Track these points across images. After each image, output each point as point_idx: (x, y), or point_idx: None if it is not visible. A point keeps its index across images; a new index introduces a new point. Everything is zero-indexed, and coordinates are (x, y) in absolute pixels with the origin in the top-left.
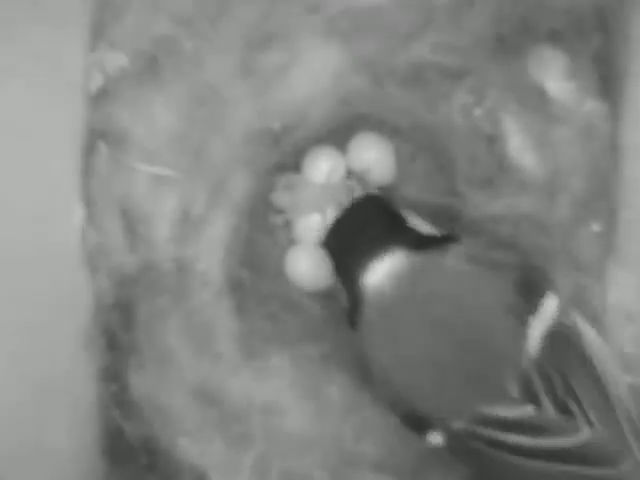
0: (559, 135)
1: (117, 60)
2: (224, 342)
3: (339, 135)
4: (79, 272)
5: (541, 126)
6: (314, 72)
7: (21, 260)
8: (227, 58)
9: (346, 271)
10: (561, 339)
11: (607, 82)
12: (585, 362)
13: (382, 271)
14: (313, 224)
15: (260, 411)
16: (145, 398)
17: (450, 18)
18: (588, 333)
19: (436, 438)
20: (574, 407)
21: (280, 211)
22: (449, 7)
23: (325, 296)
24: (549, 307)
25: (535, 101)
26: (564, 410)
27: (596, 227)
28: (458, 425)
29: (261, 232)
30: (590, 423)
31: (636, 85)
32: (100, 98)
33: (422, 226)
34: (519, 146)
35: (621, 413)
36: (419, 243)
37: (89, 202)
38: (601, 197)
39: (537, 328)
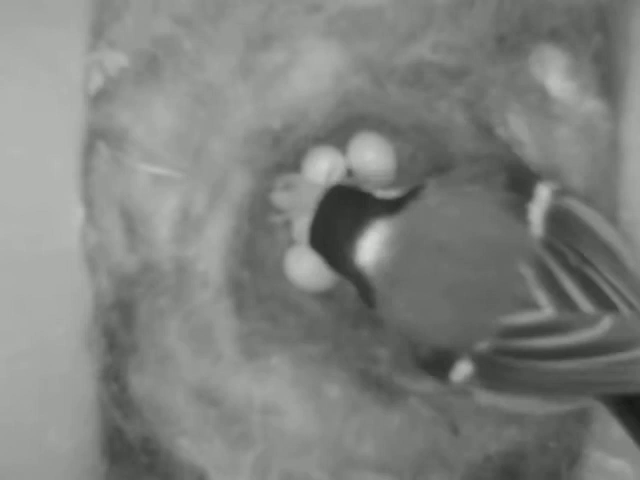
0: (559, 134)
1: (117, 60)
2: (224, 342)
3: (339, 135)
4: (79, 272)
5: (542, 125)
6: (314, 72)
7: (21, 260)
8: (227, 58)
9: (338, 261)
10: (563, 217)
11: (607, 81)
12: (592, 233)
13: (371, 244)
14: None
15: (260, 411)
16: (145, 398)
17: (450, 18)
18: (587, 212)
19: (464, 370)
20: (593, 277)
21: (280, 211)
22: (449, 7)
23: (325, 296)
24: (543, 193)
25: (536, 100)
26: (588, 293)
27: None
28: (483, 346)
29: (261, 232)
30: (612, 306)
31: (636, 84)
32: (100, 98)
33: (389, 192)
34: (519, 145)
35: (637, 281)
36: (392, 207)
37: (89, 202)
38: (602, 196)
39: (536, 212)
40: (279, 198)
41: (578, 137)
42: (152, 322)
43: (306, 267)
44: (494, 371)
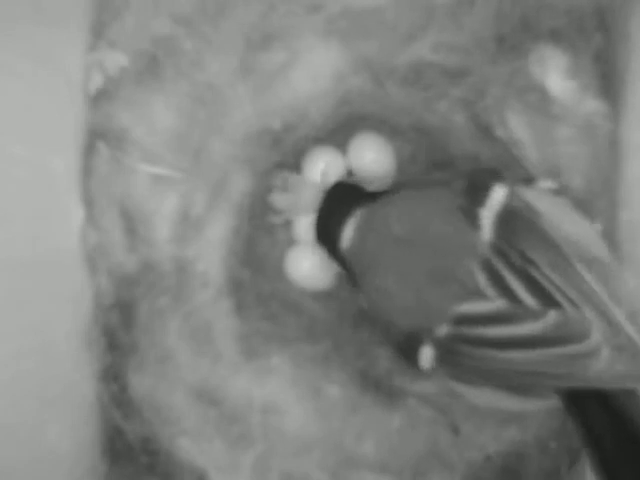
0: (560, 134)
1: (117, 60)
2: (224, 342)
3: (339, 135)
4: (79, 272)
5: (542, 125)
6: (314, 72)
7: (21, 260)
8: (227, 58)
9: (331, 249)
10: (511, 218)
11: (608, 81)
12: (538, 231)
13: (349, 231)
14: (312, 224)
15: (260, 411)
16: (145, 398)
17: (450, 18)
18: (548, 209)
19: (427, 354)
20: (535, 276)
21: (278, 211)
22: (449, 7)
23: (325, 296)
24: (496, 196)
25: (536, 100)
26: (532, 291)
27: (597, 226)
28: (443, 331)
29: (261, 232)
30: (556, 304)
31: (636, 84)
32: (100, 98)
33: (378, 187)
34: (520, 145)
35: (583, 280)
36: (372, 198)
37: (89, 202)
38: (602, 196)
39: (485, 216)
40: (277, 199)
41: (578, 137)
42: (152, 322)
43: (306, 267)
44: (452, 357)
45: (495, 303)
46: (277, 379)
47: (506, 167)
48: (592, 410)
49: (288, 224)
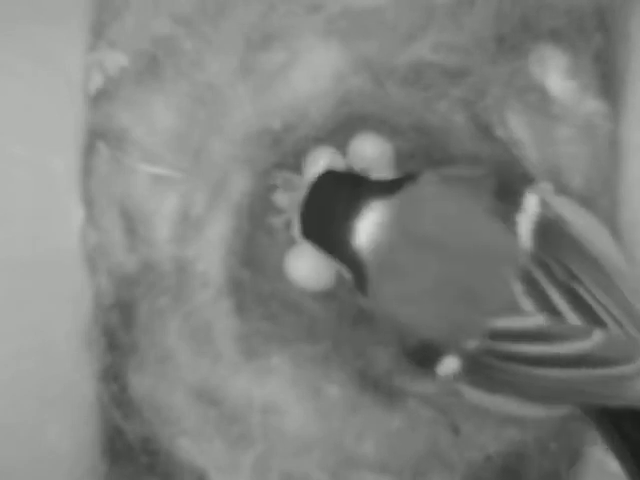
0: (560, 134)
1: (117, 60)
2: (224, 342)
3: (339, 135)
4: (79, 272)
5: (542, 125)
6: (314, 72)
7: (21, 260)
8: (227, 58)
9: (334, 244)
10: (551, 229)
11: (608, 81)
12: (580, 246)
13: (368, 226)
14: None
15: (260, 411)
16: (145, 398)
17: (450, 18)
18: (579, 220)
19: (451, 364)
20: (581, 293)
21: (280, 211)
22: (449, 7)
23: (325, 296)
24: (531, 203)
25: (536, 100)
26: (576, 308)
27: (597, 222)
28: (472, 344)
29: (261, 232)
30: (601, 323)
31: (636, 84)
32: (100, 98)
33: (384, 175)
34: (520, 145)
35: (625, 297)
36: (389, 188)
37: (89, 202)
38: (602, 196)
39: (524, 224)
40: (280, 198)
41: (578, 137)
42: (152, 322)
43: (306, 267)
44: (482, 370)
45: (534, 319)
46: (277, 379)
47: (506, 167)
48: (628, 427)
49: (288, 224)
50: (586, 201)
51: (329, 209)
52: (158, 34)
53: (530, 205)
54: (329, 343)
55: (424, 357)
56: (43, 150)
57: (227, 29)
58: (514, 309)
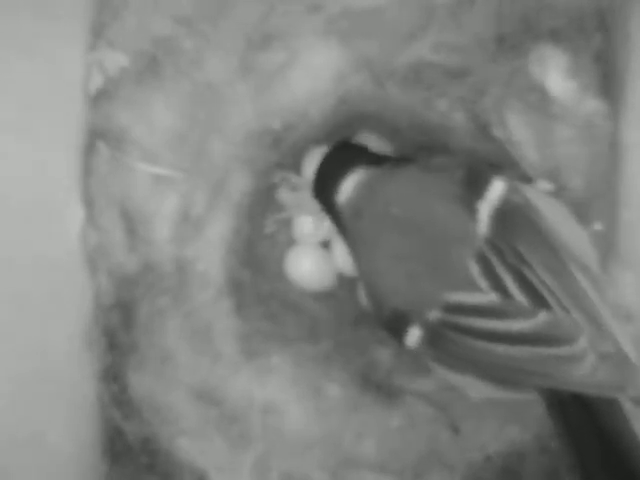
0: (560, 134)
1: (117, 60)
2: (224, 342)
3: (339, 135)
4: (79, 272)
5: (542, 125)
6: (314, 72)
7: (21, 260)
8: (227, 58)
9: (328, 202)
10: (510, 215)
11: (608, 81)
12: (536, 231)
13: (348, 186)
14: (313, 224)
15: (260, 411)
16: (145, 398)
17: (450, 18)
18: (543, 207)
19: (414, 334)
20: (529, 277)
21: (281, 209)
22: (449, 7)
23: (325, 296)
24: (495, 190)
25: (536, 100)
26: (524, 290)
27: (597, 226)
28: (433, 315)
29: (261, 232)
30: (546, 305)
31: (636, 84)
32: (100, 98)
33: (381, 149)
34: (520, 145)
35: (575, 283)
36: (377, 161)
37: (89, 202)
38: (601, 196)
39: (484, 210)
40: (284, 196)
41: (578, 137)
42: (152, 322)
43: (306, 267)
44: (439, 342)
45: (487, 296)
46: (277, 379)
47: (505, 167)
48: (572, 413)
49: (288, 224)
50: (586, 201)
51: (329, 170)
52: (158, 34)
53: (494, 191)
54: (329, 343)
55: (396, 328)
56: (43, 150)
57: (227, 29)
58: (470, 285)
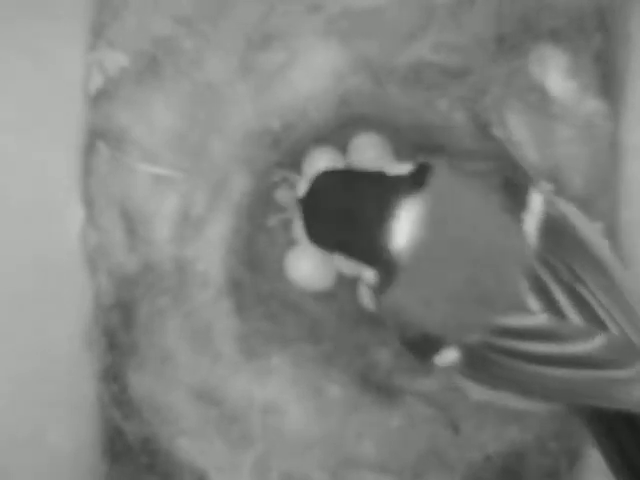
0: (560, 134)
1: (117, 60)
2: (224, 342)
3: (339, 135)
4: (79, 272)
5: (542, 125)
6: (314, 72)
7: (21, 260)
8: (227, 58)
9: (362, 249)
10: (556, 229)
11: (608, 81)
12: (584, 247)
13: (405, 225)
14: None
15: (260, 411)
16: (145, 398)
17: (450, 18)
18: (580, 222)
19: (450, 356)
20: (584, 295)
21: (281, 209)
22: (449, 7)
23: (325, 296)
24: (535, 201)
25: (535, 100)
26: (580, 309)
27: (597, 226)
28: (474, 338)
29: (261, 232)
30: (603, 326)
31: (636, 84)
32: (100, 98)
33: (399, 168)
34: (520, 145)
35: (626, 301)
36: (413, 184)
37: (89, 202)
38: (601, 196)
39: (530, 222)
40: (283, 195)
41: (578, 137)
42: (152, 322)
43: (306, 267)
44: (481, 364)
45: (538, 318)
46: (277, 379)
47: (509, 164)
48: (618, 432)
49: (288, 224)
50: (586, 201)
51: (354, 211)
52: (158, 34)
53: (535, 203)
54: (329, 343)
55: (422, 347)
56: (43, 150)
57: (227, 29)
58: (520, 307)
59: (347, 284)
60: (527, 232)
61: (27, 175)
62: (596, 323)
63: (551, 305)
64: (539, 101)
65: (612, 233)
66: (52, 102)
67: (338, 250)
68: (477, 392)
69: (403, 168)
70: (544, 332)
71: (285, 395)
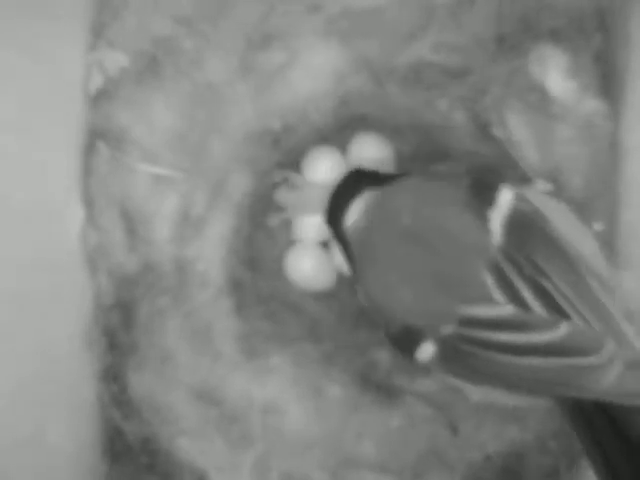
0: (559, 134)
1: (117, 60)
2: (224, 342)
3: (339, 135)
4: (79, 272)
5: (542, 125)
6: (314, 72)
7: (21, 260)
8: (227, 58)
9: (336, 227)
10: (523, 224)
11: (608, 81)
12: (551, 241)
13: (355, 210)
14: (313, 224)
15: (260, 411)
16: (145, 398)
17: (450, 18)
18: (557, 215)
19: (427, 350)
20: (547, 288)
21: (280, 209)
22: (449, 7)
23: (325, 296)
24: (504, 198)
25: (535, 100)
26: (542, 302)
27: (597, 226)
28: (447, 330)
29: (261, 232)
30: (566, 316)
31: (636, 84)
32: (100, 98)
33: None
34: (520, 145)
35: (592, 292)
36: (382, 181)
37: (89, 202)
38: (601, 196)
39: (496, 219)
40: (282, 196)
41: (578, 137)
42: (152, 322)
43: (306, 267)
44: (455, 356)
45: (504, 308)
46: (277, 379)
47: (504, 167)
48: (596, 422)
49: (288, 224)
50: (586, 201)
51: (338, 197)
52: (158, 34)
53: (504, 199)
54: (329, 343)
55: (406, 343)
56: (43, 150)
57: (227, 29)
58: (486, 298)
59: (347, 284)
60: (492, 229)
61: (27, 175)
62: (559, 313)
63: (515, 298)
64: (539, 101)
65: (612, 233)
66: (52, 102)
67: (329, 230)
68: (476, 392)
69: (389, 172)
70: (511, 322)
71: (285, 395)
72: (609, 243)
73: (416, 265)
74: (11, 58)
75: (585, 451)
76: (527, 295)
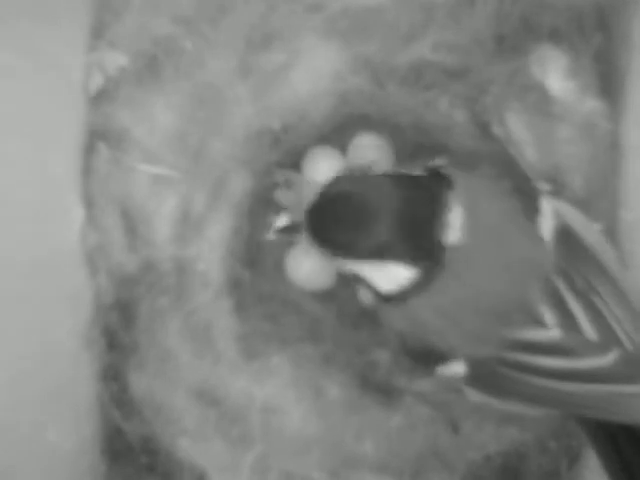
0: (560, 134)
1: (117, 60)
2: (224, 342)
3: (339, 135)
4: (79, 272)
5: (542, 125)
6: (314, 72)
7: (21, 260)
8: (227, 58)
9: (417, 244)
10: (568, 237)
11: (608, 81)
12: (593, 256)
13: (456, 220)
14: None
15: (260, 411)
16: (145, 398)
17: (450, 18)
18: (582, 227)
19: (456, 369)
20: (599, 306)
21: (280, 209)
22: (449, 7)
23: (325, 296)
24: (546, 207)
25: (536, 100)
26: (594, 323)
27: (597, 226)
28: (484, 352)
29: (261, 232)
30: (616, 339)
31: (636, 84)
32: (100, 98)
33: (414, 172)
34: (520, 145)
35: (635, 310)
36: (443, 184)
37: (89, 202)
38: (601, 196)
39: (546, 228)
40: (282, 195)
41: (578, 137)
42: (152, 322)
43: (306, 267)
44: (489, 378)
45: (552, 332)
46: (277, 379)
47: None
48: (621, 440)
49: (290, 244)
50: (586, 201)
51: (408, 211)
52: (158, 34)
53: (546, 209)
54: (329, 343)
55: (425, 357)
56: (43, 150)
57: (227, 29)
58: (535, 321)
59: (347, 284)
60: (544, 237)
61: (27, 175)
62: (610, 337)
63: (566, 318)
64: (539, 101)
65: (612, 233)
66: (52, 102)
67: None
68: (481, 399)
69: (416, 172)
70: (557, 347)
71: (285, 395)
72: (610, 242)
73: (489, 284)
74: (11, 59)
75: (607, 470)
76: (578, 313)
